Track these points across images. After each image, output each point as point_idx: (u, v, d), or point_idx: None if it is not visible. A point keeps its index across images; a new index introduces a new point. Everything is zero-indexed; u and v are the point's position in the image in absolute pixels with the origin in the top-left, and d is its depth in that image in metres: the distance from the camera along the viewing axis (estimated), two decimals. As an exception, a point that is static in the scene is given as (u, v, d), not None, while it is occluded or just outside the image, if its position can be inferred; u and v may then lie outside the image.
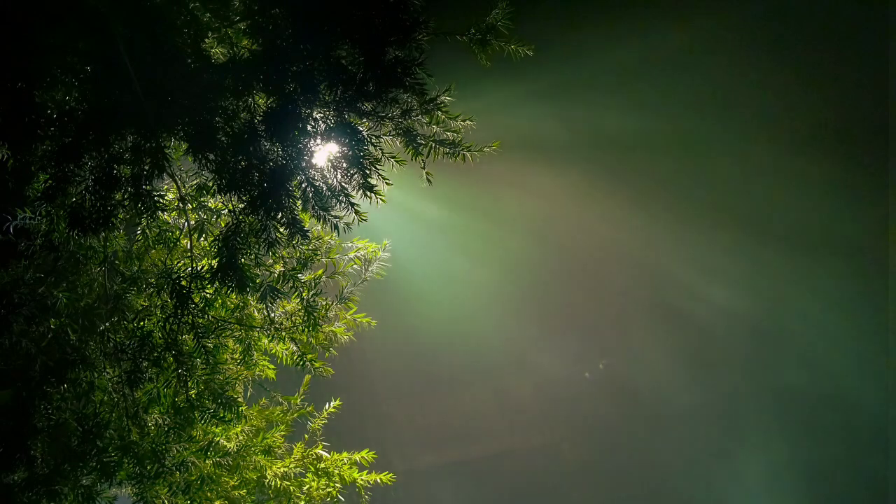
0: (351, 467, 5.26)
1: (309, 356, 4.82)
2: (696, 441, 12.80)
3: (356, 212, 3.78)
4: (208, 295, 4.33)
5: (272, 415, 5.26)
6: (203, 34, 3.51)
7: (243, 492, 4.94)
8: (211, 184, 3.76)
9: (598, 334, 13.19)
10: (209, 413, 4.49)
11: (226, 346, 4.65)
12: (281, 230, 3.72)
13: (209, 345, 4.24)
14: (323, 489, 5.16)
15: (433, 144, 3.87)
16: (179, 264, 4.21)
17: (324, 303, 4.75)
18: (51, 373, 4.00)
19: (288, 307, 4.73)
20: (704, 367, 12.68)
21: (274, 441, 5.13)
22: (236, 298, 4.59)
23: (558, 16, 10.63)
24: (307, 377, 5.22)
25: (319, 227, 4.23)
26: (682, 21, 10.90)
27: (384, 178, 3.83)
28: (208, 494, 4.70)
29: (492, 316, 12.73)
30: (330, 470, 5.21)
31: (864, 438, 11.96)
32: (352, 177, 3.72)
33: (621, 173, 12.29)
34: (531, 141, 11.57)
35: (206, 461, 4.65)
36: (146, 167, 3.50)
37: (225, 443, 4.77)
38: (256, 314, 4.73)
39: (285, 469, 5.10)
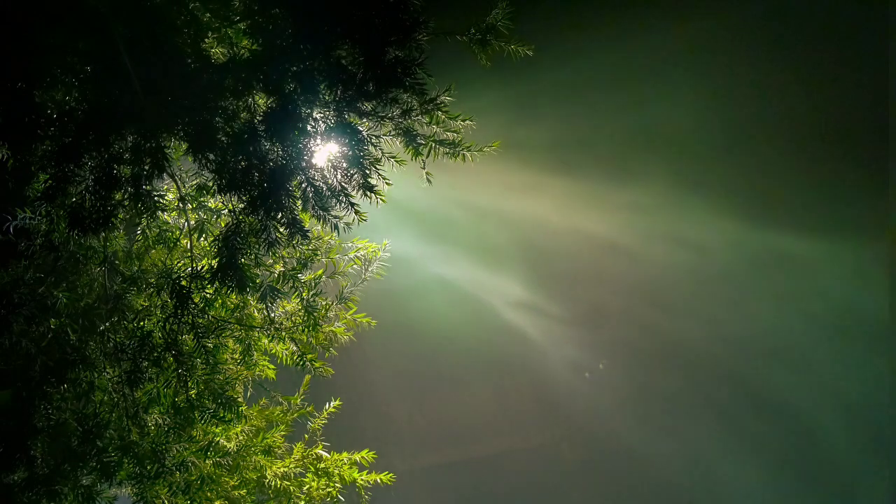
0: (351, 467, 5.26)
1: (309, 356, 4.82)
2: (697, 441, 12.80)
3: (356, 212, 3.78)
4: (208, 295, 4.32)
5: (272, 415, 5.26)
6: (203, 34, 3.51)
7: (243, 492, 4.94)
8: (211, 184, 3.76)
9: (599, 334, 13.18)
10: (209, 413, 4.48)
11: (226, 346, 4.64)
12: (281, 230, 3.72)
13: (209, 345, 4.24)
14: (323, 489, 5.16)
15: (433, 144, 3.87)
16: (179, 264, 4.21)
17: (324, 303, 4.75)
18: (51, 373, 4.00)
19: (288, 307, 4.73)
20: (704, 367, 12.67)
21: (274, 441, 5.13)
22: (236, 298, 4.59)
23: (558, 16, 10.63)
24: (307, 377, 5.22)
25: (319, 227, 4.23)
26: (682, 21, 10.91)
27: (384, 178, 3.83)
28: (208, 494, 4.70)
29: (492, 316, 12.73)
30: (330, 470, 5.21)
31: (865, 439, 11.97)
32: (352, 177, 3.72)
33: (621, 174, 12.29)
34: (531, 141, 11.58)
35: (206, 461, 4.65)
36: (146, 167, 3.50)
37: (225, 443, 4.77)
38: (256, 314, 4.73)
39: (285, 469, 5.10)
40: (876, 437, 11.87)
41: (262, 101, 3.58)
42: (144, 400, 4.34)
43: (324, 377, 4.91)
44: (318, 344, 4.90)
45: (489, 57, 3.84)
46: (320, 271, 4.76)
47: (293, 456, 5.22)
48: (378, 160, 3.80)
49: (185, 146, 3.60)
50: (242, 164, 3.55)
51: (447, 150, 3.89)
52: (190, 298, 3.99)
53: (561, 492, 13.51)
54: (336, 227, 3.78)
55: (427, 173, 3.93)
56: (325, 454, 5.26)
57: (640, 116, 11.70)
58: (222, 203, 4.15)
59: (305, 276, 4.64)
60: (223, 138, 3.52)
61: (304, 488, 5.13)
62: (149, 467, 4.33)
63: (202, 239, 4.34)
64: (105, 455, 4.15)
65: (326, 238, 4.78)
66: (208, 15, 3.51)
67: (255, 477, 5.01)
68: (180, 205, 4.17)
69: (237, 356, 4.82)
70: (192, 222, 4.27)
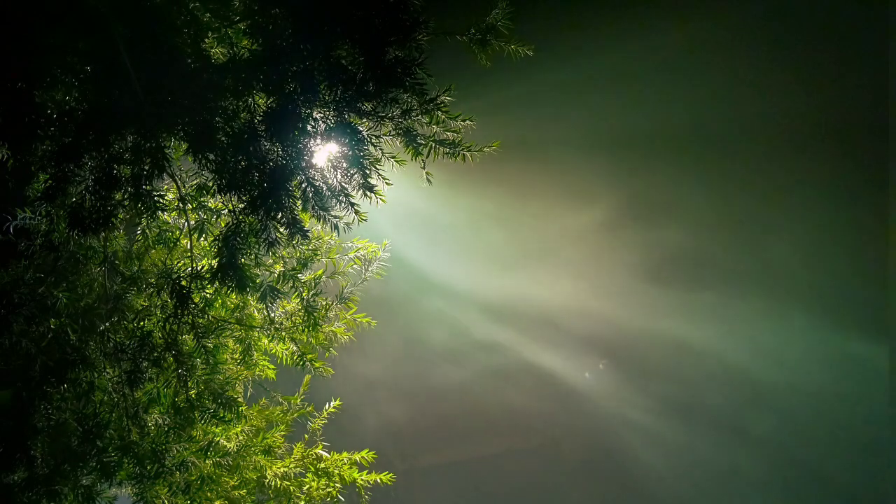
0: (351, 467, 5.26)
1: (309, 356, 4.82)
2: (697, 441, 12.80)
3: (356, 212, 3.78)
4: (208, 295, 4.33)
5: (272, 415, 5.26)
6: (203, 34, 3.51)
7: (243, 492, 4.94)
8: (211, 184, 3.75)
9: (599, 334, 13.18)
10: (209, 413, 4.48)
11: (226, 346, 4.65)
12: (281, 230, 3.72)
13: (209, 345, 4.24)
14: (323, 489, 5.16)
15: (433, 144, 3.87)
16: (179, 264, 4.21)
17: (324, 303, 4.75)
18: (51, 373, 4.00)
19: (288, 307, 4.73)
20: (704, 367, 12.67)
21: (274, 441, 5.13)
22: (236, 298, 4.59)
23: (558, 16, 10.64)
24: (307, 377, 5.22)
25: (319, 227, 4.23)
26: (682, 21, 10.91)
27: (384, 178, 3.83)
28: (208, 494, 4.70)
29: (491, 316, 12.73)
30: (330, 470, 5.21)
31: (865, 439, 11.97)
32: (352, 177, 3.72)
33: (621, 174, 12.30)
34: (531, 141, 11.58)
35: (206, 461, 4.65)
36: (146, 167, 3.50)
37: (225, 443, 4.77)
38: (256, 314, 4.73)
39: (285, 469, 5.10)
40: (876, 437, 11.87)
41: (262, 101, 3.58)
42: (144, 400, 4.34)
43: (324, 377, 4.92)
44: (318, 344, 4.90)
45: (489, 57, 3.84)
46: (320, 271, 4.76)
47: (293, 456, 5.21)
48: (378, 160, 3.80)
49: (185, 146, 3.60)
50: (242, 164, 3.55)
51: (447, 150, 3.89)
52: (190, 298, 3.99)
53: (561, 492, 13.52)
54: (336, 227, 3.78)
55: (427, 173, 3.93)
56: (325, 454, 5.26)
57: (640, 116, 11.70)
58: (222, 203, 4.14)
59: (305, 276, 4.64)
60: (223, 138, 3.52)
61: (304, 488, 5.13)
62: (149, 467, 4.33)
63: (202, 239, 4.34)
64: (105, 455, 4.15)
65: (326, 238, 4.78)
66: (208, 15, 3.50)
67: (255, 477, 5.01)
68: (180, 205, 4.17)
69: (237, 356, 4.82)
70: (192, 222, 4.27)
